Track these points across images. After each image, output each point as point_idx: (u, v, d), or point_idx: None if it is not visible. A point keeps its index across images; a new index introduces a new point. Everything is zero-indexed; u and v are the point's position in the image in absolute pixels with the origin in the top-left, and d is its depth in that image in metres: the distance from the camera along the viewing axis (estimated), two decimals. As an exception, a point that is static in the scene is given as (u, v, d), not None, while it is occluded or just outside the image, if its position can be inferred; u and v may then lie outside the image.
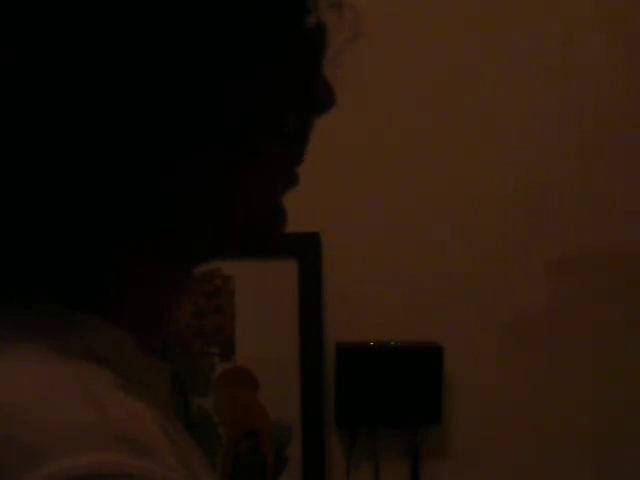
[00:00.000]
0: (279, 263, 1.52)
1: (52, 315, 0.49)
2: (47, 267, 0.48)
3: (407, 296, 1.57)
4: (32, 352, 0.46)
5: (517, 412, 1.59)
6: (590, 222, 1.58)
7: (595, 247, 1.59)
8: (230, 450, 1.53)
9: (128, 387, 0.46)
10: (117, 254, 0.51)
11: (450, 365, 1.56)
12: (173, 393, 0.60)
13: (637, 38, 1.58)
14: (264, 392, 1.54)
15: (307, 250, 1.53)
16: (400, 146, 1.56)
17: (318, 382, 1.54)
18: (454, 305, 1.57)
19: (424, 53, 1.56)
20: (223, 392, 1.53)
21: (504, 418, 1.59)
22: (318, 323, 1.55)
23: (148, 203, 0.50)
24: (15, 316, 0.48)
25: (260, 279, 1.52)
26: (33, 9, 0.46)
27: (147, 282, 0.53)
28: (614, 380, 1.59)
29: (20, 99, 0.46)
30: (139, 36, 0.46)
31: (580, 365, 1.59)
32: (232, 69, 0.49)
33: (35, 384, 0.44)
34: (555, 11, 1.56)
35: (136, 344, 0.52)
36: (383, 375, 1.53)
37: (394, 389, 1.53)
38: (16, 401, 0.43)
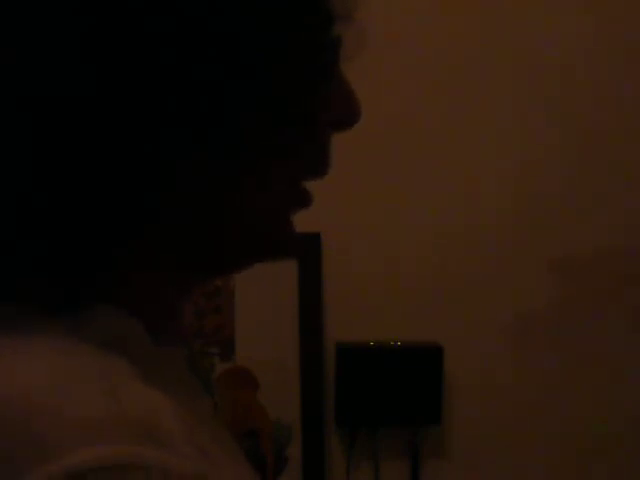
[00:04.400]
0: (279, 263, 1.52)
1: (67, 307, 0.49)
2: (54, 263, 0.48)
3: (407, 296, 1.57)
4: (49, 342, 0.46)
5: (517, 412, 1.59)
6: (590, 222, 1.58)
7: (595, 247, 1.59)
8: (230, 450, 1.52)
9: (145, 376, 0.47)
10: (131, 253, 0.51)
11: (450, 365, 1.56)
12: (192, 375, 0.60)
13: (635, 43, 1.58)
14: (264, 392, 1.54)
15: (307, 250, 1.53)
16: (400, 146, 1.56)
17: (318, 382, 1.54)
18: (454, 305, 1.57)
19: (424, 54, 1.56)
20: (223, 392, 1.53)
21: (504, 418, 1.59)
22: (318, 323, 1.55)
23: (147, 208, 0.50)
24: (28, 309, 0.48)
25: (260, 279, 1.52)
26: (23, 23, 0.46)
27: (161, 282, 0.53)
28: (615, 380, 1.59)
29: (10, 115, 0.46)
30: (136, 36, 0.46)
31: (580, 365, 1.59)
32: (232, 71, 0.49)
33: (52, 374, 0.44)
34: (555, 18, 1.57)
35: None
36: (383, 375, 1.53)
37: (394, 389, 1.53)
38: (33, 392, 0.43)
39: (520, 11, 1.56)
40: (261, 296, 1.54)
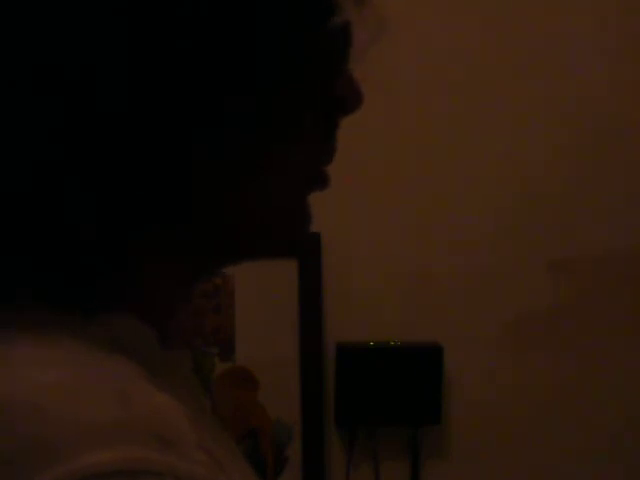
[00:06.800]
0: (279, 263, 1.52)
1: (73, 309, 0.48)
2: (67, 263, 0.48)
3: (407, 296, 1.57)
4: (59, 342, 0.46)
5: (517, 412, 1.59)
6: (590, 222, 1.58)
7: (596, 247, 1.59)
8: (230, 450, 1.52)
9: (154, 379, 0.46)
10: (132, 249, 0.51)
11: (450, 365, 1.56)
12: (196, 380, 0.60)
13: (637, 42, 1.58)
14: (264, 392, 1.53)
15: (307, 250, 1.53)
16: (400, 146, 1.56)
17: (318, 382, 1.54)
18: (454, 305, 1.57)
19: (427, 55, 1.56)
20: (223, 392, 1.53)
21: (504, 418, 1.59)
22: (318, 323, 1.54)
23: (161, 196, 0.49)
24: (39, 308, 0.48)
25: (260, 279, 1.52)
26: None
27: (162, 278, 0.53)
28: (615, 380, 1.59)
29: (33, 103, 0.46)
30: (163, 39, 0.46)
31: (580, 365, 1.59)
32: (247, 67, 0.49)
33: (62, 375, 0.43)
34: (557, 18, 1.57)
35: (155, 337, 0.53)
36: (383, 375, 1.53)
37: (394, 389, 1.53)
38: (41, 393, 0.42)
39: (526, 12, 1.56)
40: (261, 296, 1.54)
